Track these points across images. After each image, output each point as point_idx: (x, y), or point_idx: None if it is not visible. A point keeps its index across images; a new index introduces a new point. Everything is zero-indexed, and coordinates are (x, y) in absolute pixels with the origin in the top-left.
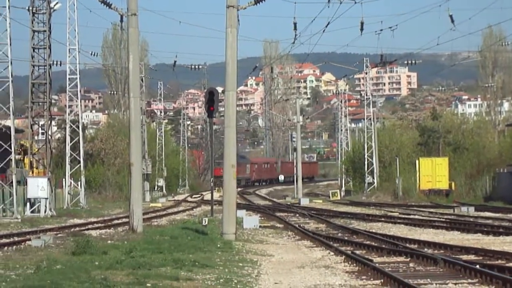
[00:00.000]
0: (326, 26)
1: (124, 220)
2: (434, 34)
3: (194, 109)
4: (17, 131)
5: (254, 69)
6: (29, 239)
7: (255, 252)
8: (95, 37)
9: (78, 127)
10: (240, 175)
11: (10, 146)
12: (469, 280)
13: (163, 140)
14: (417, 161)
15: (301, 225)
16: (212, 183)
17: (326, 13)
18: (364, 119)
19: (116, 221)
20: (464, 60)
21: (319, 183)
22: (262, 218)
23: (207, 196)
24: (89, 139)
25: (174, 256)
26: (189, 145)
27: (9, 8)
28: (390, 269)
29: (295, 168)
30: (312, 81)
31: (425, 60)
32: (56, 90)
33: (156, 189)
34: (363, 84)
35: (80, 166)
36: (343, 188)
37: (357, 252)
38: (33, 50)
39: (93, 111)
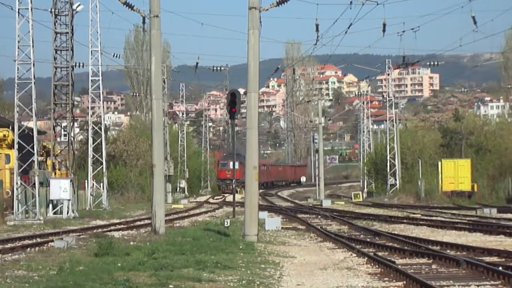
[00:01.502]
0: (348, 28)
1: (146, 221)
2: (457, 35)
3: (216, 111)
4: (39, 132)
5: (276, 70)
6: (52, 241)
7: (277, 253)
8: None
9: (101, 129)
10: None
11: (32, 148)
12: (492, 282)
13: (185, 141)
14: (439, 163)
15: (323, 227)
16: (220, 185)
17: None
18: (386, 120)
19: (138, 223)
20: (487, 62)
21: (341, 185)
22: (284, 220)
23: (229, 197)
24: (111, 141)
25: (196, 257)
26: (211, 146)
27: (31, 10)
28: (412, 270)
29: (318, 170)
30: (334, 83)
31: (448, 62)
32: (78, 91)
33: (178, 190)
34: (385, 86)
35: (102, 167)
36: (365, 190)
37: (380, 253)
38: (56, 52)
39: (115, 113)
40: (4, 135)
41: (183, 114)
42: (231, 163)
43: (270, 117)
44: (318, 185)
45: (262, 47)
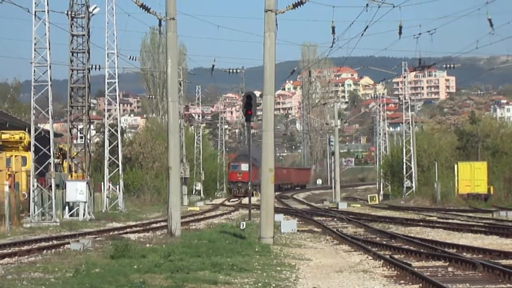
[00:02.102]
0: (365, 30)
1: (162, 223)
2: (473, 38)
3: (231, 113)
4: (56, 135)
5: (292, 73)
6: (68, 243)
7: (293, 256)
8: (133, 42)
9: (117, 131)
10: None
11: (49, 150)
12: (508, 285)
13: (201, 144)
14: (455, 165)
15: (339, 230)
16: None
17: (365, 17)
18: (402, 123)
19: (154, 225)
20: (503, 64)
21: (357, 188)
22: (300, 222)
23: (245, 200)
24: (127, 143)
25: (212, 259)
26: (227, 149)
27: (48, 12)
28: (428, 273)
29: (334, 173)
30: (350, 85)
31: (464, 64)
32: (94, 94)
33: (194, 193)
34: (401, 88)
35: (118, 169)
36: (382, 192)
37: (396, 256)
38: (72, 54)
39: (132, 115)
40: (21, 138)
41: (199, 116)
42: (243, 165)
43: (286, 120)
44: (334, 187)
45: (278, 50)
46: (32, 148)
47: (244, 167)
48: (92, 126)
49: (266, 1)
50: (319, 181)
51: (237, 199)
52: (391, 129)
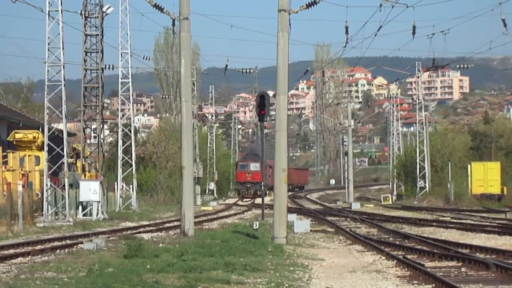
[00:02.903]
0: (378, 30)
1: (176, 223)
2: (487, 38)
3: (245, 113)
4: (69, 134)
5: (305, 72)
6: (81, 242)
7: (306, 256)
8: (147, 41)
9: (130, 131)
10: (256, 179)
11: (62, 150)
12: None
13: (214, 143)
14: (469, 166)
15: (352, 230)
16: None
17: (378, 17)
18: (416, 123)
19: (167, 225)
20: None
21: (370, 188)
22: (313, 222)
23: (258, 200)
24: (141, 143)
25: (225, 259)
26: (240, 149)
27: (61, 12)
28: (441, 273)
29: (347, 173)
30: (364, 85)
31: (477, 64)
32: (108, 93)
33: (207, 192)
34: (415, 88)
35: (132, 169)
36: (395, 193)
37: (409, 256)
38: (86, 54)
39: (145, 115)
40: (34, 137)
41: (212, 116)
42: (252, 164)
43: (299, 120)
44: (348, 187)
45: (292, 49)
46: (46, 148)
47: (254, 166)
48: (105, 126)
49: (280, 1)
50: (332, 181)
51: (249, 199)
52: (404, 129)
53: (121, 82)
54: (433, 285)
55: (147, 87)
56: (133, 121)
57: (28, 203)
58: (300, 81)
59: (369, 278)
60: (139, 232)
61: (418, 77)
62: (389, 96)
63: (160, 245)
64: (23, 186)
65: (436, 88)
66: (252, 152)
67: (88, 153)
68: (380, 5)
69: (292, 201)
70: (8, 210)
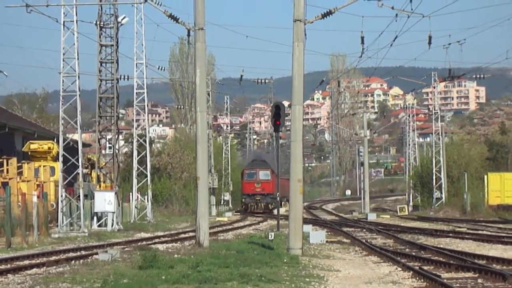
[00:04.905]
0: (394, 40)
1: (191, 234)
2: (503, 48)
3: (260, 123)
4: (84, 145)
5: (321, 83)
6: (96, 253)
7: (322, 267)
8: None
9: (145, 141)
10: (266, 190)
11: (77, 160)
12: None
13: (229, 154)
14: (485, 176)
15: (368, 240)
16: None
17: (394, 27)
18: (432, 133)
19: (182, 235)
20: None
21: (386, 198)
22: (329, 233)
23: (273, 210)
24: (156, 153)
25: (240, 270)
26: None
27: (76, 22)
28: (458, 285)
29: (363, 183)
30: (380, 95)
31: (494, 75)
32: (123, 104)
33: (222, 203)
34: (431, 98)
35: (147, 180)
36: (411, 203)
37: (425, 267)
38: (101, 64)
39: (160, 125)
40: (49, 148)
41: (227, 126)
42: (261, 172)
43: (315, 130)
44: (363, 198)
45: (307, 60)
46: (61, 158)
47: (263, 175)
48: (120, 136)
49: (295, 11)
50: (348, 192)
51: (260, 214)
52: (420, 139)
53: (136, 93)
54: None
55: (162, 97)
56: (148, 132)
57: (43, 213)
58: (316, 91)
59: None
60: (154, 243)
61: (434, 87)
62: (405, 106)
63: (175, 256)
64: (38, 197)
65: (452, 98)
66: (259, 158)
67: (103, 164)
68: (396, 15)
69: (307, 212)
70: (23, 221)
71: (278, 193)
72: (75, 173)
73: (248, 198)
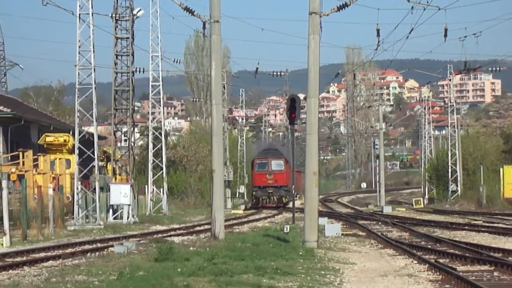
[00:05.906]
0: (410, 33)
1: (206, 226)
2: None
3: (275, 116)
4: (100, 137)
5: (336, 75)
6: (112, 246)
7: (337, 260)
8: (177, 44)
9: (161, 134)
10: (279, 182)
11: (93, 153)
12: None
13: (244, 147)
14: (501, 169)
15: (384, 233)
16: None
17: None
18: (447, 126)
19: (198, 228)
20: None
21: (402, 191)
22: (344, 226)
23: (288, 204)
24: (171, 146)
25: (256, 263)
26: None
27: (92, 15)
28: (474, 278)
29: (378, 176)
30: (395, 88)
31: (510, 67)
32: (138, 97)
33: (237, 196)
34: (446, 91)
35: (162, 172)
36: (426, 196)
37: (441, 260)
38: (116, 57)
39: (176, 118)
40: (65, 140)
41: (242, 119)
42: (273, 162)
43: (330, 123)
44: (379, 191)
45: (322, 52)
46: (76, 151)
47: (276, 165)
48: (136, 129)
49: (311, 4)
50: (364, 185)
51: (273, 208)
52: (436, 132)
53: (151, 85)
54: None
55: (178, 90)
56: (164, 124)
57: (59, 206)
58: (331, 84)
59: (401, 282)
60: (170, 236)
61: (450, 80)
62: (420, 99)
63: (191, 248)
64: (53, 190)
65: (468, 91)
66: (271, 147)
67: (119, 156)
68: (412, 7)
69: (323, 205)
70: (39, 213)
71: (293, 186)
72: (90, 165)
73: (259, 191)
